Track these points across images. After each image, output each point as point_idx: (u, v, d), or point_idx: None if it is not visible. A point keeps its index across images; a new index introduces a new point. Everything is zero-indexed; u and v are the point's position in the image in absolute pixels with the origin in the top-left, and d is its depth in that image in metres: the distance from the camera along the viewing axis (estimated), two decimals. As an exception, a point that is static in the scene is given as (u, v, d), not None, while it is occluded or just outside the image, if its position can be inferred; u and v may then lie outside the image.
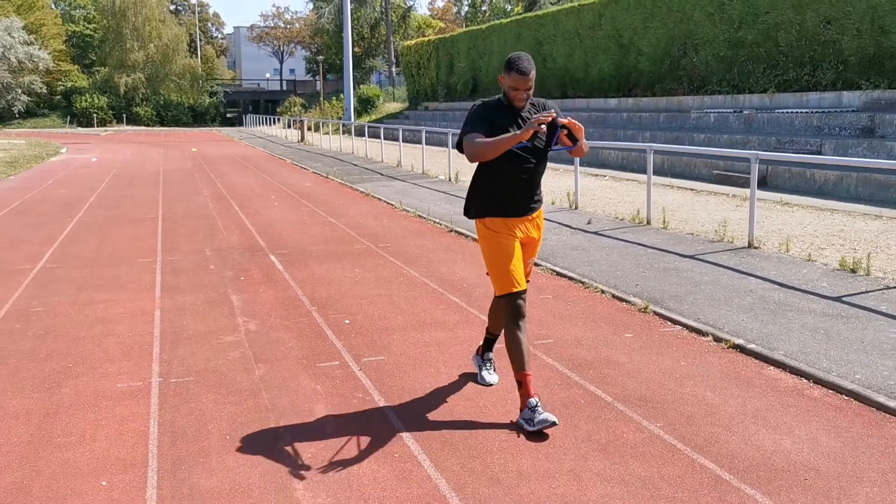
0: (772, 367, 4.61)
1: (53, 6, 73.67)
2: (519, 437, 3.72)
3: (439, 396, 4.26)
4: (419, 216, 11.11)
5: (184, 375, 4.64)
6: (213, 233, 10.06)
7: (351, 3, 61.63)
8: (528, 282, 4.01)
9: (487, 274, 3.97)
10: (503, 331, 3.93)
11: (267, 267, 7.80)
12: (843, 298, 5.88)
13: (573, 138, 3.68)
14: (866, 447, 3.56)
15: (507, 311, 3.84)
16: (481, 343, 4.50)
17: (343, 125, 32.72)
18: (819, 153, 12.89)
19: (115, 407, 4.17)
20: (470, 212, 4.00)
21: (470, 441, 3.69)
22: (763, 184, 12.93)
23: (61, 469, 3.45)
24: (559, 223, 9.89)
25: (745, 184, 12.93)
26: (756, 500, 3.10)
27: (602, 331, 5.42)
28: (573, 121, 3.62)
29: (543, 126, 3.50)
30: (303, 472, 3.40)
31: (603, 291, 6.43)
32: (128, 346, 5.25)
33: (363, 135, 24.10)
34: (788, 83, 16.13)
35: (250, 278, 7.29)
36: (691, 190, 12.98)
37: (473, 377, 4.53)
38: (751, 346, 4.89)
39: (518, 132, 3.55)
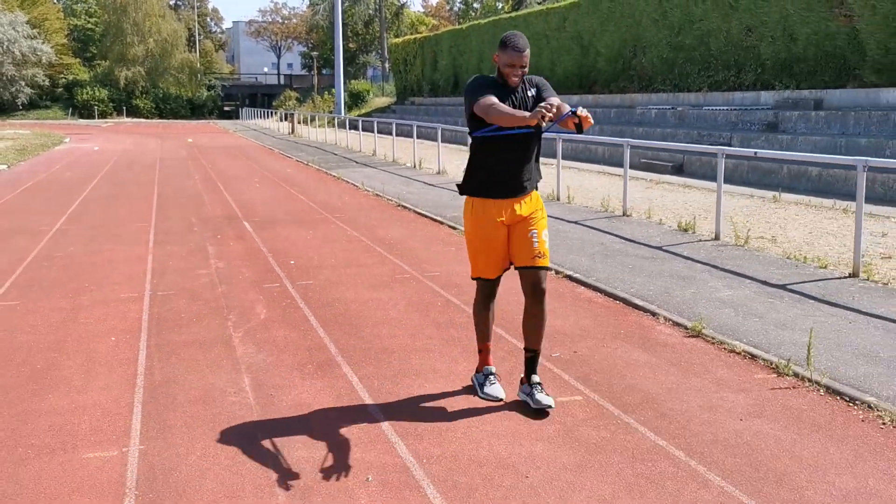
0: (582, 287, 6.55)
1: (56, 1, 75.45)
2: (388, 314, 5.66)
3: (343, 300, 6.19)
4: (376, 195, 13.05)
5: (167, 291, 6.57)
6: (199, 206, 11.98)
7: (345, 0, 63.49)
8: (545, 265, 4.01)
9: None
10: (473, 307, 4.23)
11: (240, 230, 9.73)
12: (663, 247, 7.83)
13: (579, 128, 3.62)
14: (607, 325, 5.49)
15: (479, 292, 4.14)
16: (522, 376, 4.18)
17: (333, 118, 34.60)
18: (729, 145, 14.81)
19: (119, 305, 6.10)
20: (462, 188, 4.04)
21: (353, 320, 5.62)
22: (680, 171, 14.86)
23: (84, 334, 5.38)
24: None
25: (664, 170, 14.87)
26: (517, 345, 5.03)
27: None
28: (588, 116, 3.56)
29: (548, 116, 3.46)
30: (241, 331, 5.34)
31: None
32: (127, 275, 7.18)
33: (354, 128, 25.96)
34: (719, 83, 18.06)
35: (225, 237, 9.22)
36: (618, 175, 14.88)
37: (370, 291, 6.46)
38: (576, 275, 6.82)
39: (526, 116, 3.49)
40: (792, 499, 3.08)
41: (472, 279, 4.13)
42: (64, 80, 67.72)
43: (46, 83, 65.20)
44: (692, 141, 15.91)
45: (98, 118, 64.36)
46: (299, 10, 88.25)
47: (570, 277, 6.83)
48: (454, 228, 9.39)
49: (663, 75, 20.04)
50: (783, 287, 6.20)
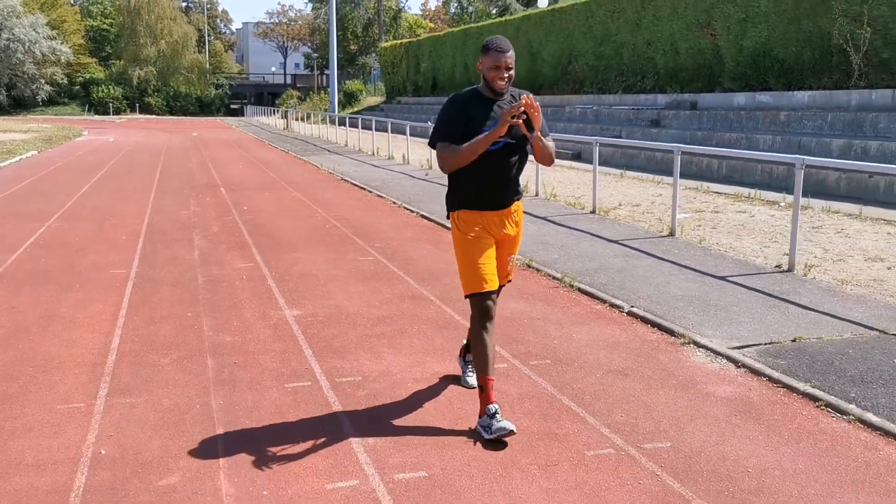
0: (415, 215, 10.13)
1: (73, 2, 79.57)
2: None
3: (268, 224, 9.82)
4: (330, 173, 16.71)
5: (159, 220, 10.24)
6: (191, 179, 15.67)
7: (345, 5, 67.20)
8: (509, 280, 3.99)
9: None
10: (469, 330, 3.81)
11: (216, 192, 13.40)
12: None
13: (530, 126, 3.52)
14: (419, 233, 9.08)
15: (475, 312, 3.74)
16: (464, 344, 4.38)
17: (325, 116, 38.30)
18: (619, 136, 18.35)
19: (127, 226, 9.77)
20: (449, 205, 3.87)
21: (269, 232, 9.27)
22: (578, 157, 18.42)
23: (107, 237, 9.04)
24: (410, 175, 15.48)
25: (566, 157, 18.44)
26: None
27: (377, 215, 10.99)
28: (530, 99, 3.46)
29: (519, 118, 3.43)
30: (201, 237, 8.99)
31: (394, 203, 11.99)
32: (134, 213, 10.87)
33: (345, 124, 29.61)
34: (630, 87, 21.61)
35: (204, 196, 12.90)
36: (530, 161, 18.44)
37: (288, 221, 10.10)
38: (420, 211, 10.39)
39: (492, 129, 3.45)
40: (440, 287, 6.68)
41: (466, 297, 3.77)
42: (81, 78, 71.90)
43: (65, 81, 69.39)
44: (595, 134, 19.44)
45: (112, 114, 68.43)
46: (304, 13, 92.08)
47: (441, 225, 10.45)
48: (370, 192, 13.02)
49: (591, 79, 23.60)
50: (544, 218, 9.81)
